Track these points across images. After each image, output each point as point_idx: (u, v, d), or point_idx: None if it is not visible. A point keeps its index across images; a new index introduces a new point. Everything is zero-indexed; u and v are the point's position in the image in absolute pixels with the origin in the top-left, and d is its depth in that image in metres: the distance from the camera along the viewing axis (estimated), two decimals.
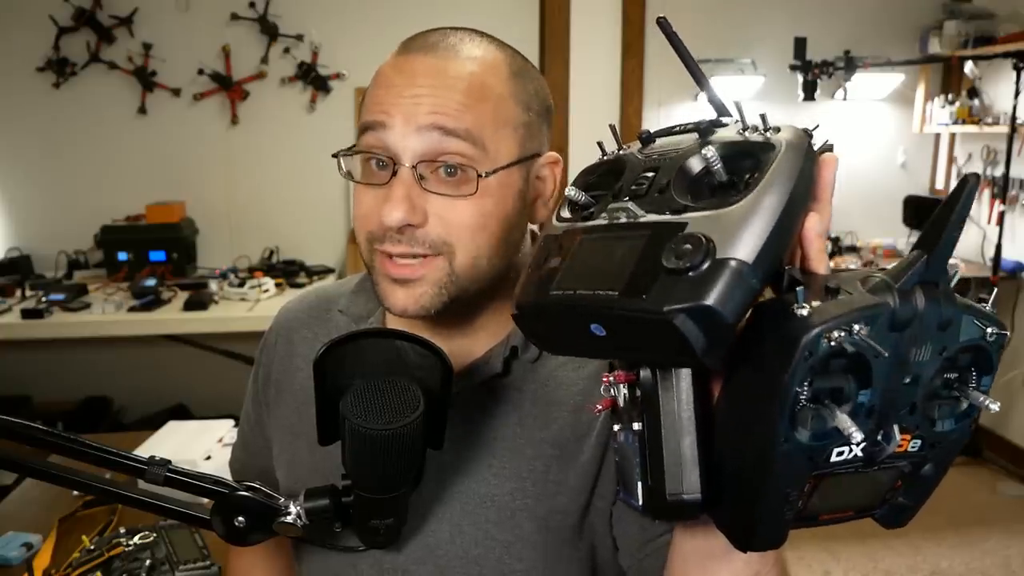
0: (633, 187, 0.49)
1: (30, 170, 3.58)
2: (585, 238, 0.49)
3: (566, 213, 0.53)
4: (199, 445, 1.67)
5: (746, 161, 0.46)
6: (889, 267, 0.44)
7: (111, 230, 3.39)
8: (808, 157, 0.45)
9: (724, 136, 0.48)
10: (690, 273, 0.41)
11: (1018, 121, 3.20)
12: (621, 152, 0.55)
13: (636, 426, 0.51)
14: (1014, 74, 3.18)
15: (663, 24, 0.50)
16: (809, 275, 0.46)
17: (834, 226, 3.88)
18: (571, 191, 0.53)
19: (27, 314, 2.90)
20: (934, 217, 0.43)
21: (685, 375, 0.49)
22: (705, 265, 0.40)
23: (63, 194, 3.58)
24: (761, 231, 0.41)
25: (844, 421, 0.40)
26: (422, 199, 0.70)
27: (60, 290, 3.09)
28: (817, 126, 0.49)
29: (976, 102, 3.78)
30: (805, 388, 0.41)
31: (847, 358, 0.41)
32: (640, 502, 0.51)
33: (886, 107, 4.00)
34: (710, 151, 0.46)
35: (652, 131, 0.54)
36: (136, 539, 1.32)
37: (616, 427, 0.53)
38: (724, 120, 0.50)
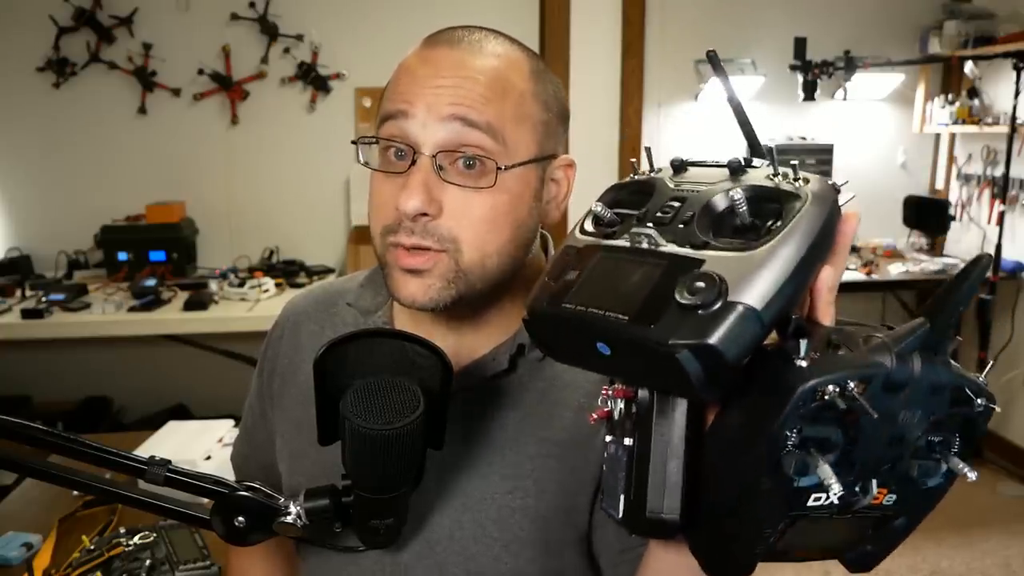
0: (659, 214, 0.50)
1: (30, 170, 3.58)
2: (604, 256, 0.50)
3: (590, 227, 0.54)
4: (199, 445, 1.67)
5: (771, 206, 0.47)
6: (892, 330, 0.45)
7: (111, 230, 3.39)
8: (832, 211, 0.46)
9: (754, 178, 0.49)
10: (700, 311, 0.42)
11: (1018, 121, 3.20)
12: (652, 175, 0.55)
13: (627, 441, 0.52)
14: (1014, 74, 3.17)
15: (712, 57, 0.52)
16: (814, 325, 0.48)
17: None
18: (598, 206, 0.53)
19: (27, 314, 2.90)
20: (945, 287, 0.44)
21: (681, 402, 0.51)
22: (715, 306, 0.42)
23: (63, 194, 3.58)
24: (775, 280, 0.42)
25: (826, 472, 0.42)
26: (439, 190, 0.70)
27: (60, 290, 3.09)
28: (846, 181, 0.50)
29: (976, 102, 3.78)
30: (793, 434, 0.43)
31: (838, 411, 0.42)
32: (620, 515, 0.53)
33: (886, 107, 4.00)
34: (738, 193, 0.47)
35: (685, 159, 0.55)
36: (136, 539, 1.32)
37: (608, 438, 0.55)
38: (756, 162, 0.51)
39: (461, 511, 0.77)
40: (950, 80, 3.97)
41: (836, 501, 0.44)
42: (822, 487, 0.43)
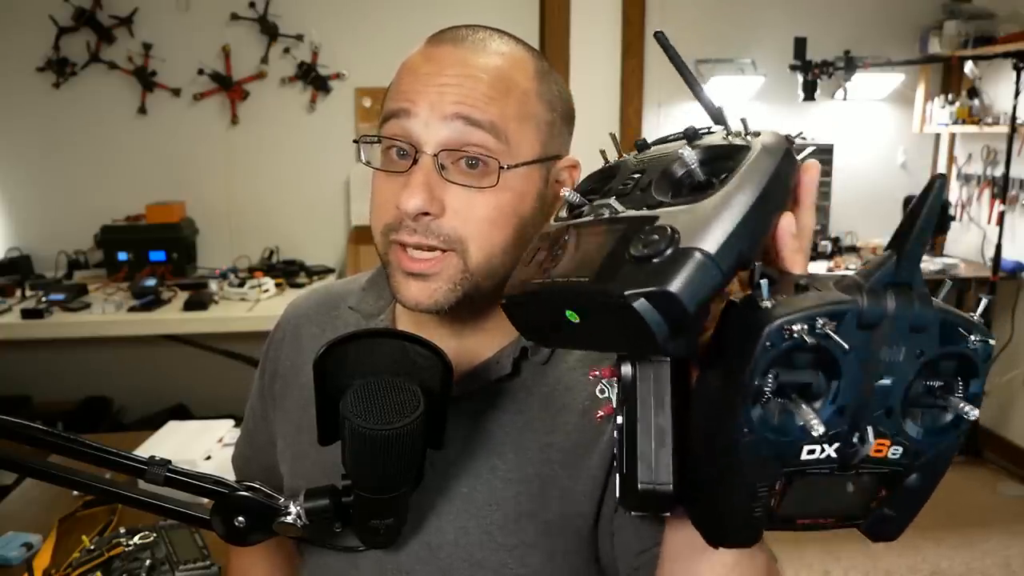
0: (620, 187, 0.52)
1: (30, 170, 3.58)
2: (571, 233, 0.51)
3: (563, 214, 0.56)
4: (199, 445, 1.67)
5: (725, 163, 0.47)
6: (860, 269, 0.44)
7: (111, 230, 3.39)
8: (785, 160, 0.47)
9: (708, 140, 0.51)
10: (654, 260, 0.42)
11: (1018, 121, 3.20)
12: (619, 160, 0.58)
13: (619, 420, 0.52)
14: (1014, 74, 3.18)
15: (660, 38, 0.54)
16: (783, 274, 0.48)
17: (834, 226, 3.88)
18: (567, 192, 0.55)
19: (27, 314, 2.90)
20: (904, 219, 0.43)
21: (663, 369, 0.50)
22: (667, 252, 0.42)
23: (63, 194, 3.58)
24: (726, 225, 0.43)
25: (806, 413, 0.41)
26: (441, 189, 0.70)
27: (60, 290, 3.09)
28: (800, 133, 0.51)
29: (976, 102, 3.78)
30: (769, 380, 0.42)
31: (814, 353, 0.41)
32: (617, 494, 0.52)
33: (886, 107, 4.00)
34: (687, 151, 0.49)
35: (648, 140, 0.57)
36: (136, 539, 1.32)
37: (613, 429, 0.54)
38: (714, 128, 0.53)
39: (465, 516, 0.77)
40: (950, 80, 3.97)
41: (833, 453, 0.43)
42: (815, 438, 0.42)
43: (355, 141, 0.76)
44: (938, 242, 4.04)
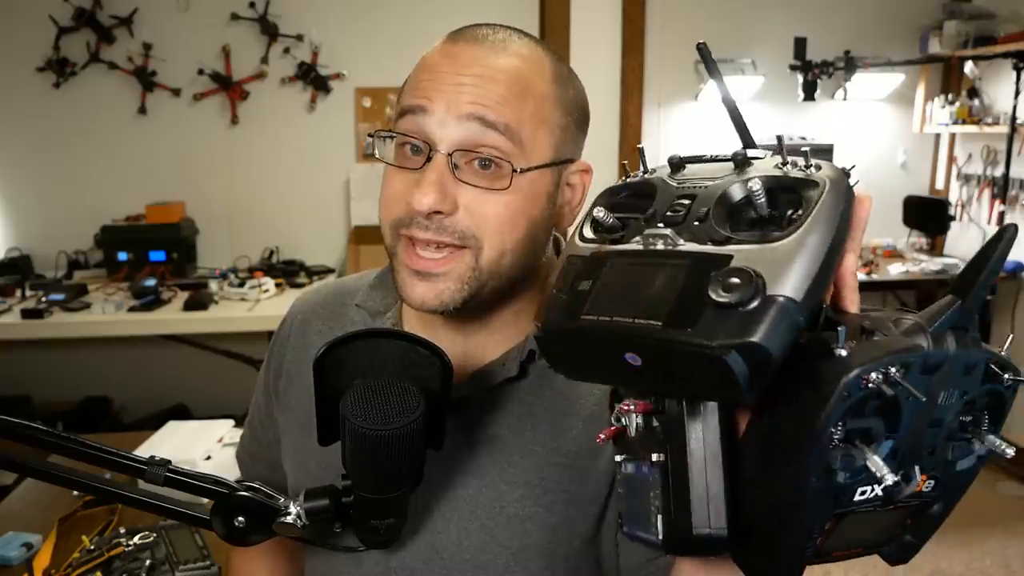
0: (668, 213, 0.48)
1: (30, 170, 3.58)
2: (617, 262, 0.48)
3: (589, 233, 0.52)
4: (199, 445, 1.67)
5: (786, 196, 0.45)
6: (920, 312, 0.44)
7: (111, 230, 3.39)
8: (849, 196, 0.45)
9: (761, 169, 0.47)
10: (739, 308, 0.40)
11: (1018, 121, 3.20)
12: (648, 176, 0.53)
13: (656, 457, 0.49)
14: (1014, 74, 3.18)
15: (703, 49, 0.51)
16: (842, 314, 0.46)
17: None
18: (598, 212, 0.52)
19: (27, 314, 2.89)
20: (970, 263, 0.44)
21: (712, 409, 0.48)
22: (755, 302, 0.40)
23: (63, 194, 3.58)
24: (808, 269, 0.41)
25: (877, 464, 0.41)
26: (454, 188, 0.69)
27: (60, 290, 3.08)
28: (854, 165, 0.49)
29: (976, 102, 3.78)
30: (839, 428, 0.41)
31: (880, 400, 0.41)
32: (659, 536, 0.49)
33: (886, 107, 4.00)
34: (756, 184, 0.45)
35: (682, 157, 0.53)
36: (136, 539, 1.32)
37: (620, 457, 0.52)
38: (758, 154, 0.50)
39: (469, 519, 0.77)
40: (950, 80, 3.97)
41: (880, 492, 0.43)
42: (868, 480, 0.42)
43: (370, 135, 0.75)
44: (938, 242, 4.04)
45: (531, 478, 0.76)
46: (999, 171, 3.48)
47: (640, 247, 0.47)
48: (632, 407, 0.50)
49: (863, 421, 0.42)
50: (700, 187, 0.48)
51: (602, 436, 0.53)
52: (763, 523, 0.46)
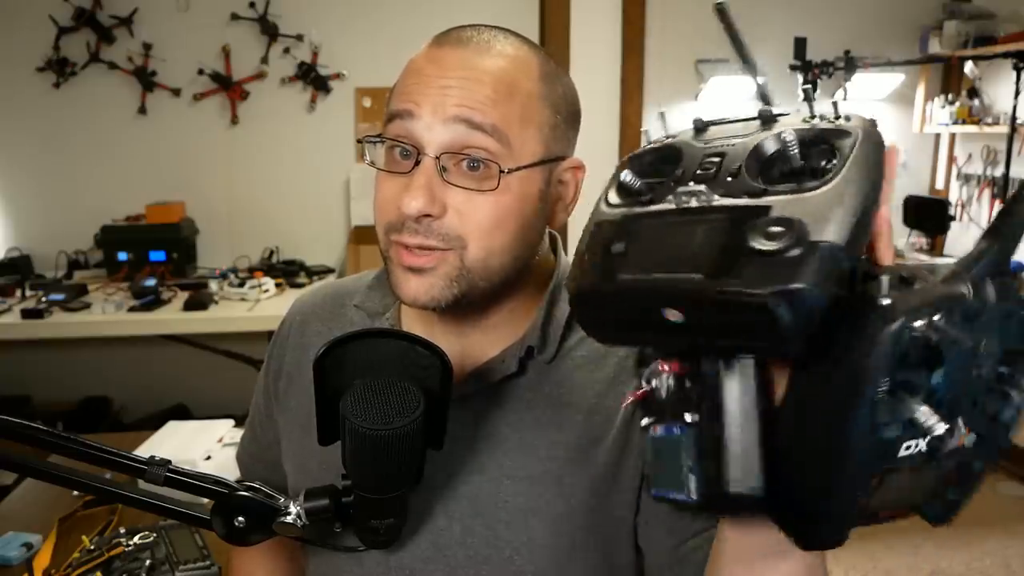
0: (699, 172, 0.47)
1: (30, 170, 3.58)
2: (650, 222, 0.47)
3: (616, 198, 0.51)
4: (199, 445, 1.67)
5: (819, 147, 0.45)
6: (959, 260, 0.43)
7: (111, 230, 3.39)
8: (881, 144, 0.44)
9: (790, 123, 0.47)
10: (784, 255, 0.39)
11: (1018, 121, 3.20)
12: (671, 139, 0.52)
13: (689, 418, 0.48)
14: (1014, 74, 3.18)
15: (721, 9, 0.50)
16: (879, 267, 0.45)
17: None
18: (626, 175, 0.50)
19: (27, 314, 2.89)
20: (1003, 208, 0.42)
21: (749, 365, 0.47)
22: (799, 248, 0.39)
23: (63, 194, 3.58)
24: (851, 215, 0.40)
25: (926, 414, 0.40)
26: (442, 191, 0.70)
27: (60, 290, 3.08)
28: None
29: (976, 102, 3.78)
30: (885, 381, 0.40)
31: (925, 350, 0.40)
32: (694, 495, 0.48)
33: (886, 107, 4.00)
34: (790, 134, 0.45)
35: (707, 119, 0.52)
36: (136, 539, 1.32)
37: (647, 420, 0.51)
38: (781, 109, 0.49)
39: (471, 515, 0.77)
40: (950, 80, 3.98)
41: (924, 447, 0.41)
42: (914, 434, 0.40)
43: (359, 141, 0.76)
44: (938, 242, 4.04)
45: (533, 472, 0.77)
46: (999, 171, 3.49)
47: (673, 206, 0.46)
48: (667, 368, 0.49)
49: (908, 373, 0.40)
50: (728, 145, 0.48)
51: (629, 399, 0.52)
52: (807, 483, 0.45)
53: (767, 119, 0.48)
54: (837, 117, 0.45)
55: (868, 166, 0.42)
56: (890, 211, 0.47)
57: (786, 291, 0.38)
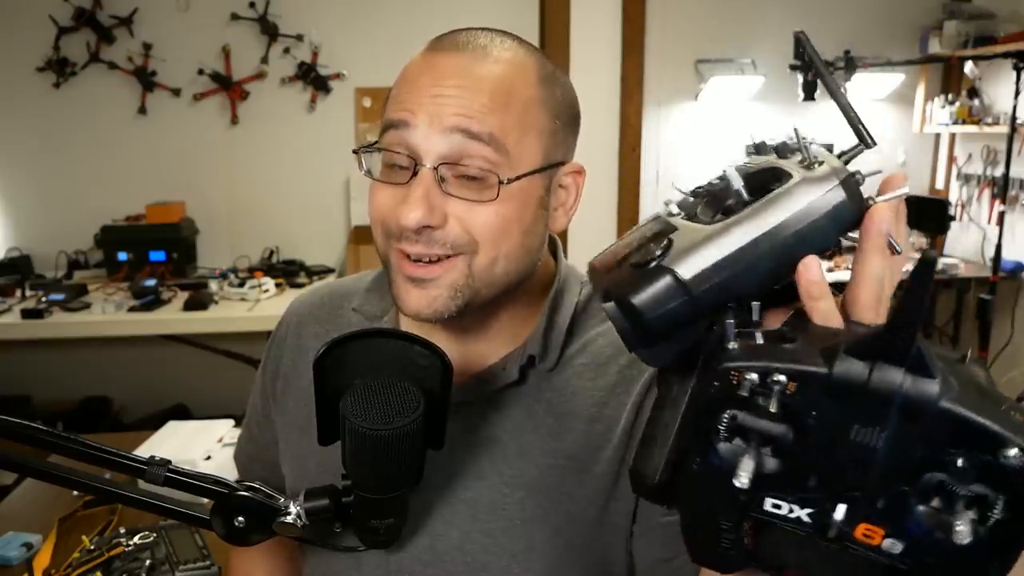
0: (703, 190, 0.50)
1: (30, 170, 3.58)
2: (633, 233, 0.51)
3: (674, 208, 0.53)
4: (199, 445, 1.67)
5: (758, 185, 0.45)
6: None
7: (111, 230, 3.39)
8: (831, 195, 0.43)
9: (776, 161, 0.48)
10: (640, 269, 0.43)
11: (1018, 121, 3.19)
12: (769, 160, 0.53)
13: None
14: (1014, 74, 3.17)
15: (801, 36, 0.51)
16: (800, 319, 0.43)
17: None
18: (675, 194, 0.52)
19: (27, 314, 2.90)
20: (900, 293, 0.39)
21: (690, 373, 0.47)
22: (650, 266, 0.42)
23: (63, 194, 3.58)
24: (712, 253, 0.42)
25: (744, 464, 0.39)
26: (441, 201, 0.69)
27: (60, 290, 3.09)
28: (879, 171, 0.46)
29: (976, 102, 3.78)
30: (725, 419, 0.39)
31: (786, 409, 0.38)
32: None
33: (886, 107, 4.00)
34: (730, 170, 0.46)
35: (767, 143, 0.52)
36: (136, 539, 1.32)
37: None
38: (815, 145, 0.49)
39: (470, 521, 0.77)
40: (950, 80, 3.97)
41: (805, 518, 0.40)
42: (779, 494, 0.39)
43: (355, 151, 0.74)
44: (938, 242, 4.04)
45: (532, 480, 0.76)
46: (999, 171, 3.48)
47: (651, 223, 0.50)
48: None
49: (759, 423, 0.39)
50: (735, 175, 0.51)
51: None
52: (679, 492, 0.45)
53: (780, 151, 0.50)
54: (809, 162, 0.45)
55: (776, 210, 0.42)
56: (863, 268, 0.43)
57: (618, 299, 0.42)
